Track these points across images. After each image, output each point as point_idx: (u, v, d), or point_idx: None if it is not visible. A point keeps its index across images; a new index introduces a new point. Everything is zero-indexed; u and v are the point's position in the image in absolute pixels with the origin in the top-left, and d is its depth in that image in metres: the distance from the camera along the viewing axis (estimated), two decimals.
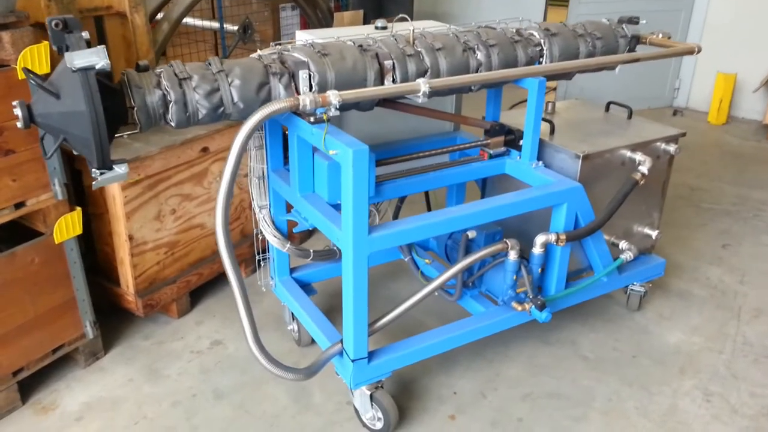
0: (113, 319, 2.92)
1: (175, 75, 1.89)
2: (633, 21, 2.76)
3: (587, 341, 2.91)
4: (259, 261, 3.01)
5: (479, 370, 2.72)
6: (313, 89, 2.06)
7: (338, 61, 2.10)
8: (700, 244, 3.77)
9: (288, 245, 2.60)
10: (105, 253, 2.82)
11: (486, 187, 3.06)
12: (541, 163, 2.63)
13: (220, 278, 3.17)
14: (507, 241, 2.42)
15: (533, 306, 2.49)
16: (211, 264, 3.07)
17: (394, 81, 2.21)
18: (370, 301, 2.16)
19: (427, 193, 3.12)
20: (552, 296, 2.63)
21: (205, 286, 3.13)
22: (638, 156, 2.65)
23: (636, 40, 2.78)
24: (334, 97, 1.89)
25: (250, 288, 3.08)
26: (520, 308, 2.51)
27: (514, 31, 2.55)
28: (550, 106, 3.05)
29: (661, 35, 2.80)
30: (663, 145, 2.79)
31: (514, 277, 2.49)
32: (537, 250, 2.50)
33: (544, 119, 2.73)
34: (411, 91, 2.06)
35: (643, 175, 2.61)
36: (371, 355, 2.28)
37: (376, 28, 2.73)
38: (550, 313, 2.48)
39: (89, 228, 2.76)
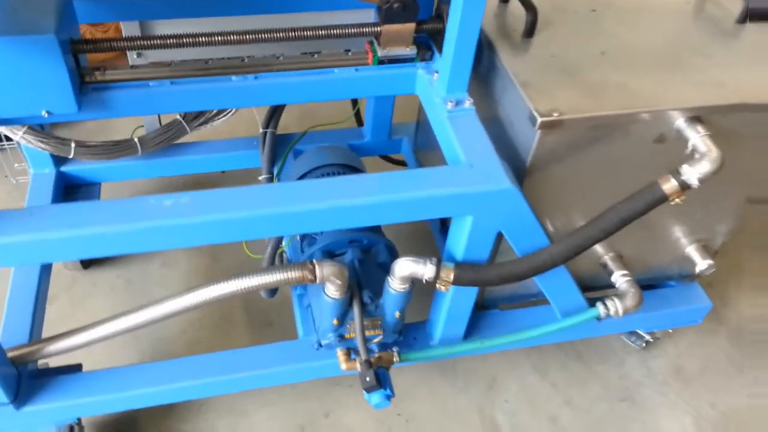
0: None
1: None
2: None
3: (516, 394, 1.71)
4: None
5: (300, 413, 1.66)
6: None
7: None
8: None
9: (21, 132, 1.53)
10: None
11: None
12: (469, 103, 1.23)
13: None
14: (317, 265, 1.17)
15: (363, 376, 1.31)
16: None
17: None
18: None
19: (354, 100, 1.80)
20: (427, 350, 1.41)
21: None
22: (694, 135, 1.16)
23: None
24: None
25: None
26: (345, 365, 1.35)
27: None
28: None
29: None
30: None
31: (335, 321, 1.29)
32: (395, 286, 1.24)
33: None
34: None
35: (683, 186, 1.14)
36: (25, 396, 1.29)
37: None
38: (387, 399, 1.31)
39: None
